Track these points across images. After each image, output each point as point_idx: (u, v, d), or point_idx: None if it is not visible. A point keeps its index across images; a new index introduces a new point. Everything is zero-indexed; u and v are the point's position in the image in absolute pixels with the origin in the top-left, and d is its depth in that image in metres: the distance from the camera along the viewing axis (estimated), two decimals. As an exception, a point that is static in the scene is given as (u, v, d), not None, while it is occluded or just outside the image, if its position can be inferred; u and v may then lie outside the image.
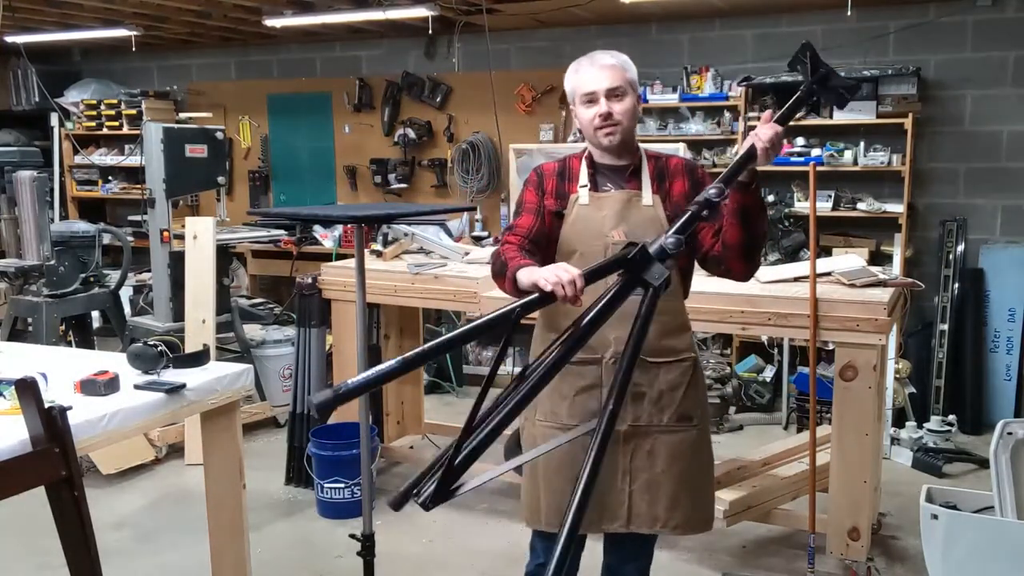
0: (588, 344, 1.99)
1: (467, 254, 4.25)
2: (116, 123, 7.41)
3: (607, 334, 2.14)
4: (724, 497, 3.24)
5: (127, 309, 5.69)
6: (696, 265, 2.37)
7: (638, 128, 6.38)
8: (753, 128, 2.07)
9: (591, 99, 2.23)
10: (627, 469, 2.25)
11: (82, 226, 5.14)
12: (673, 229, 1.93)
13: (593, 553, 2.49)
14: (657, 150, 2.42)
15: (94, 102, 7.49)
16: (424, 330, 4.71)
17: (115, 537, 3.68)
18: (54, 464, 1.81)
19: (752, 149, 1.99)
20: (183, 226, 4.73)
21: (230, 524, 2.67)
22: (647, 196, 2.27)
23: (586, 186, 2.30)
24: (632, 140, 2.32)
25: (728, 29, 5.77)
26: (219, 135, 4.92)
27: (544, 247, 2.28)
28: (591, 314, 1.84)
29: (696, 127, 5.65)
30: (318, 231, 6.73)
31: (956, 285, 5.10)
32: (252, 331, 5.26)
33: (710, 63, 5.70)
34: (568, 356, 1.83)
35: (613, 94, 2.22)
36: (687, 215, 1.95)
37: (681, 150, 4.20)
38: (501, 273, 2.13)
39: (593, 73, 2.24)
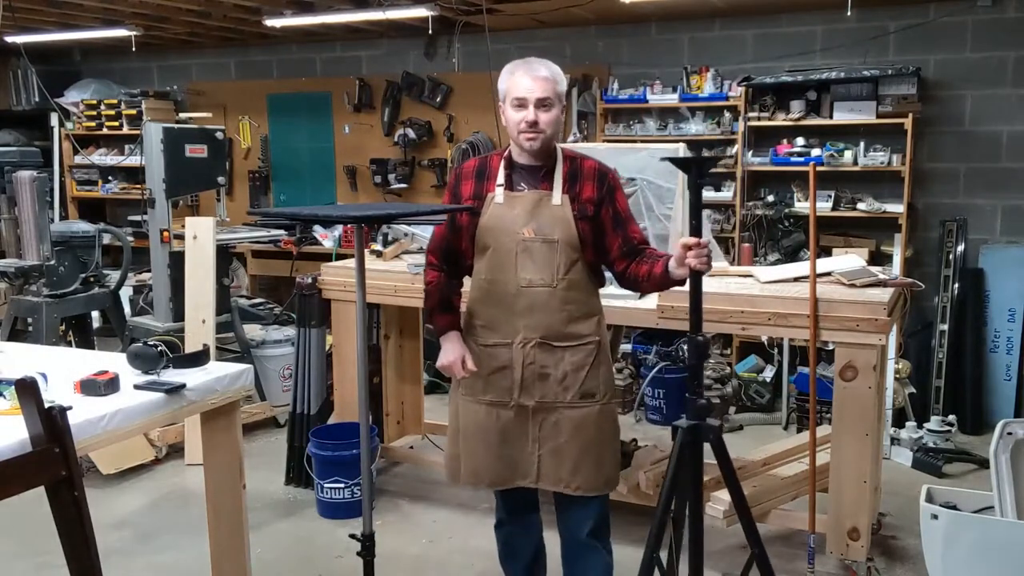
0: (500, 331, 2.50)
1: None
2: (116, 123, 7.41)
3: (516, 323, 2.48)
4: (724, 497, 3.24)
5: (127, 309, 5.69)
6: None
7: (638, 128, 6.31)
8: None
9: (521, 104, 2.40)
10: (536, 437, 2.54)
11: (82, 226, 5.14)
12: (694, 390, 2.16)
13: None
14: (576, 151, 2.58)
15: (94, 102, 7.49)
16: (424, 330, 4.70)
17: (115, 537, 3.68)
18: (54, 464, 1.81)
19: (694, 274, 2.15)
20: (183, 226, 4.72)
21: (230, 524, 2.67)
22: (557, 196, 2.46)
23: (502, 185, 2.49)
24: (551, 145, 2.49)
25: (728, 29, 5.76)
26: (219, 135, 4.93)
27: (456, 250, 2.59)
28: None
29: (696, 127, 5.64)
30: (318, 231, 6.73)
31: (956, 285, 5.09)
32: (252, 331, 5.26)
33: (710, 63, 5.70)
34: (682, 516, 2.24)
35: (542, 104, 2.40)
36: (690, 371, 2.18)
37: (681, 150, 4.18)
38: (431, 321, 2.65)
39: (527, 82, 2.40)
